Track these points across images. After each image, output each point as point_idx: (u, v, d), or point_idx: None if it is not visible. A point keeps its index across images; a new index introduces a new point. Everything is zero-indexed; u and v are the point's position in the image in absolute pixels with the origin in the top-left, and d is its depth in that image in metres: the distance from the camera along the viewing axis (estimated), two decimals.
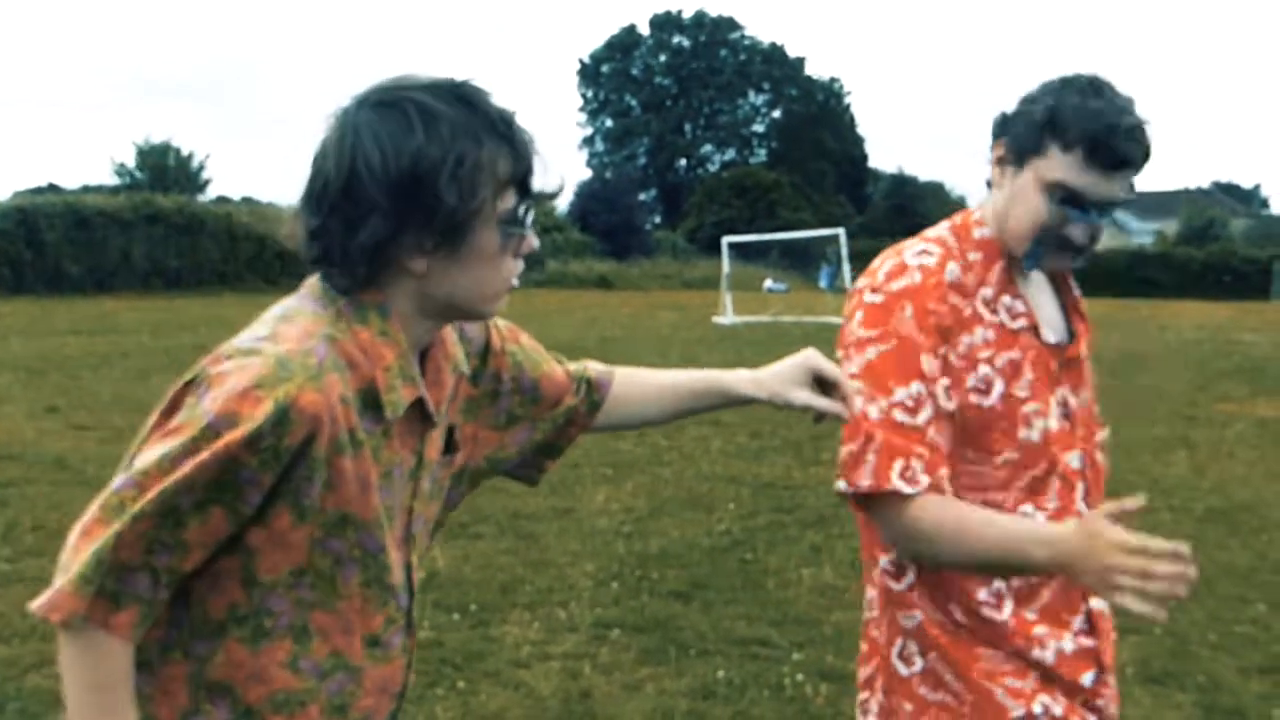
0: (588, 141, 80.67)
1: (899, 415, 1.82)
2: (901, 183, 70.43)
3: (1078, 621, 1.89)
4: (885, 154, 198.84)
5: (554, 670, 4.60)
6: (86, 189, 46.29)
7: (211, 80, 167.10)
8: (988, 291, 1.89)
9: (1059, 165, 1.80)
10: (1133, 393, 11.88)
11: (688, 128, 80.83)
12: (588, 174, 68.71)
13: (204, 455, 1.30)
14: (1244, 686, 4.60)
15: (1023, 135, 1.85)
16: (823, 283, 41.20)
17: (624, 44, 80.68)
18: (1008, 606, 1.87)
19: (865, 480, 1.82)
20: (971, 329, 1.86)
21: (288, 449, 1.32)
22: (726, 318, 26.71)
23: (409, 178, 1.36)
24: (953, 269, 1.89)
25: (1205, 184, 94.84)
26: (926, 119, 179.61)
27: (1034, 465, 1.86)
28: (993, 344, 1.86)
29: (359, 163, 1.37)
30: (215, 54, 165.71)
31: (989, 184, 1.95)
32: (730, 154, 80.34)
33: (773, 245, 42.46)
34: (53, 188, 52.65)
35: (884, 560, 1.95)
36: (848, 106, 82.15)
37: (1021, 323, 1.89)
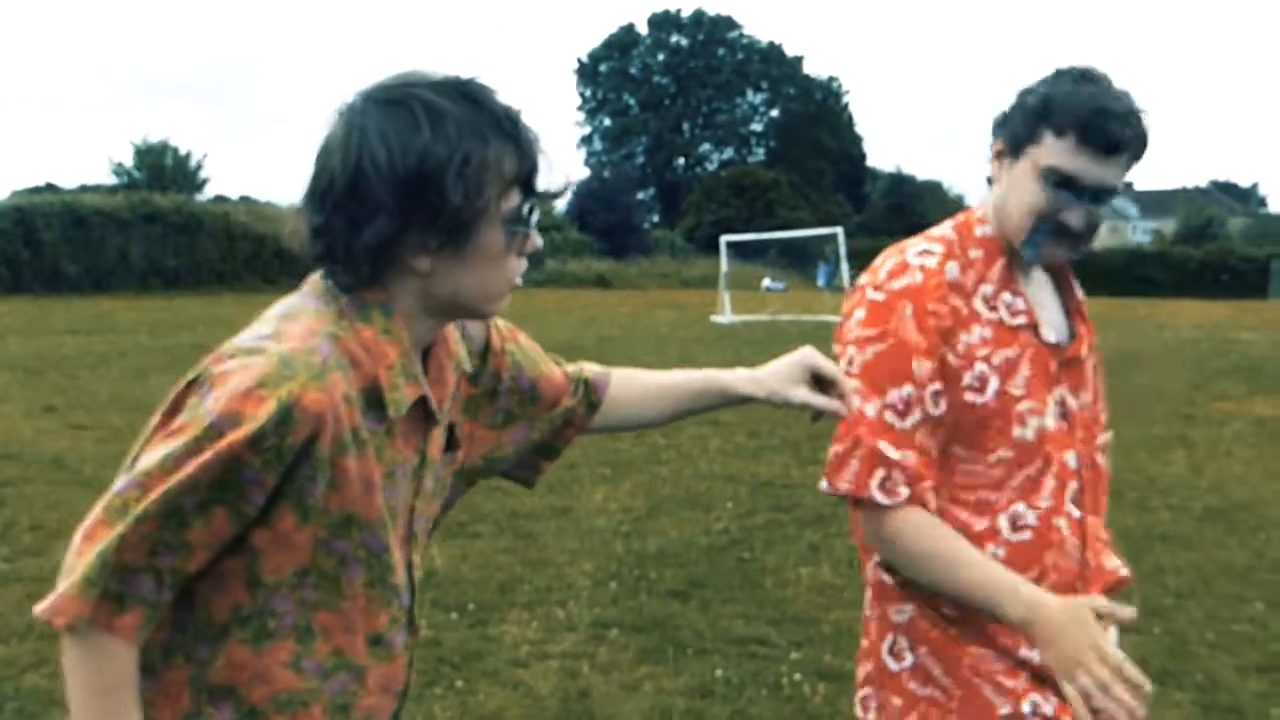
0: (586, 140, 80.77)
1: (889, 417, 1.83)
2: (899, 182, 70.48)
3: None
4: (883, 153, 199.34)
5: (552, 669, 4.60)
6: (84, 188, 46.30)
7: (211, 80, 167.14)
8: (988, 289, 1.90)
9: (1053, 151, 1.82)
10: (1130, 392, 11.87)
11: (686, 127, 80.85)
12: (586, 173, 68.69)
13: (207, 455, 1.29)
14: (1242, 685, 4.60)
15: (1018, 125, 1.87)
16: (820, 281, 41.21)
17: (622, 43, 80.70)
18: None
19: (845, 484, 1.85)
20: (970, 328, 1.86)
21: (291, 448, 1.31)
22: (725, 317, 26.71)
23: (415, 176, 1.35)
24: (952, 268, 1.89)
25: (1203, 183, 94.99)
26: (925, 118, 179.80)
27: (1028, 464, 1.86)
28: (990, 341, 1.87)
29: (365, 160, 1.36)
30: (215, 54, 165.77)
31: (989, 181, 1.96)
32: (728, 153, 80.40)
33: (771, 244, 42.49)
34: (50, 187, 52.66)
35: (876, 555, 1.96)
36: (846, 105, 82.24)
37: (1021, 320, 1.89)
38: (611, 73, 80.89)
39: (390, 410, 1.42)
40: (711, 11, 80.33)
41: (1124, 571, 1.98)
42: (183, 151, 53.67)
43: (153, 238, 33.02)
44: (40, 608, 1.31)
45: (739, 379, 1.76)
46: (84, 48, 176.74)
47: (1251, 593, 5.77)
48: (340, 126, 1.40)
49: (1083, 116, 1.78)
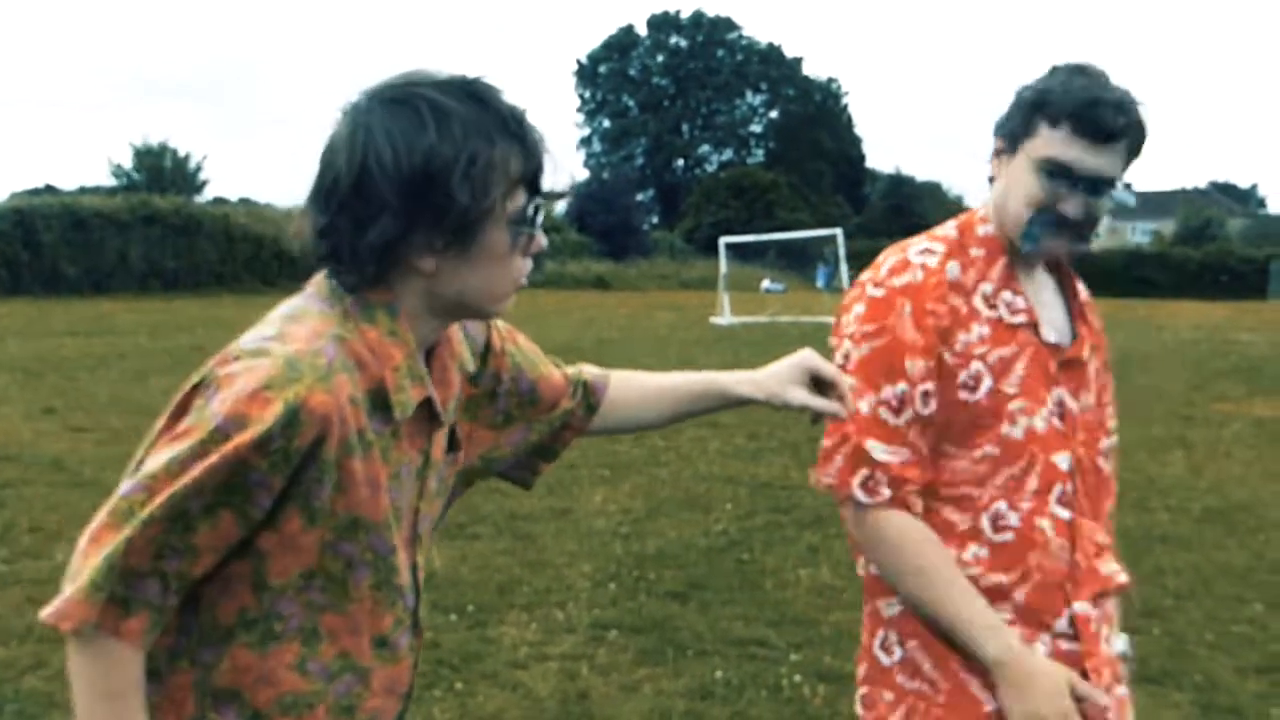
0: (585, 142, 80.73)
1: (884, 413, 1.85)
2: (899, 183, 70.48)
3: (1060, 624, 1.86)
4: (882, 154, 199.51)
5: (551, 671, 4.60)
6: (83, 190, 46.27)
7: (211, 80, 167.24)
8: (987, 287, 1.90)
9: (1048, 141, 1.83)
10: (1130, 393, 11.84)
11: (685, 128, 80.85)
12: (585, 174, 68.67)
13: (213, 458, 1.28)
14: (1241, 686, 4.60)
15: (1014, 120, 1.89)
16: (820, 283, 41.23)
17: (621, 44, 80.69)
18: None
19: (829, 478, 1.89)
20: (968, 326, 1.87)
21: (297, 451, 1.31)
22: (724, 318, 26.71)
23: (421, 176, 1.34)
24: (953, 268, 1.90)
25: (1202, 184, 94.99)
26: (924, 119, 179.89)
27: (1012, 463, 1.85)
28: (987, 340, 1.87)
29: (370, 160, 1.35)
30: (215, 54, 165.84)
31: (991, 181, 1.96)
32: (728, 154, 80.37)
33: (770, 245, 42.48)
34: (49, 189, 52.63)
35: (864, 557, 1.96)
36: (845, 107, 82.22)
37: (1021, 319, 1.89)
38: (611, 74, 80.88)
39: (396, 412, 1.41)
40: (711, 13, 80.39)
41: (1121, 578, 1.96)
42: (182, 153, 53.67)
43: (152, 239, 32.99)
44: (46, 612, 1.30)
45: (738, 381, 1.76)
46: (84, 48, 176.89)
47: (1251, 594, 5.78)
48: (345, 126, 1.39)
49: (1076, 105, 1.80)
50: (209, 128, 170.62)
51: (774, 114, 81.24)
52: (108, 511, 1.31)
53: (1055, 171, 1.82)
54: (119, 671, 1.32)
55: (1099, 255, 48.16)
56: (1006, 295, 1.90)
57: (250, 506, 1.32)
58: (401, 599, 1.49)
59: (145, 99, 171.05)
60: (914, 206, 61.90)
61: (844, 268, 29.31)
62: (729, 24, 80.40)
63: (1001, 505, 1.85)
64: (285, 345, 1.34)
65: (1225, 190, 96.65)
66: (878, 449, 1.84)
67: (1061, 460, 1.87)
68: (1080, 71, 1.84)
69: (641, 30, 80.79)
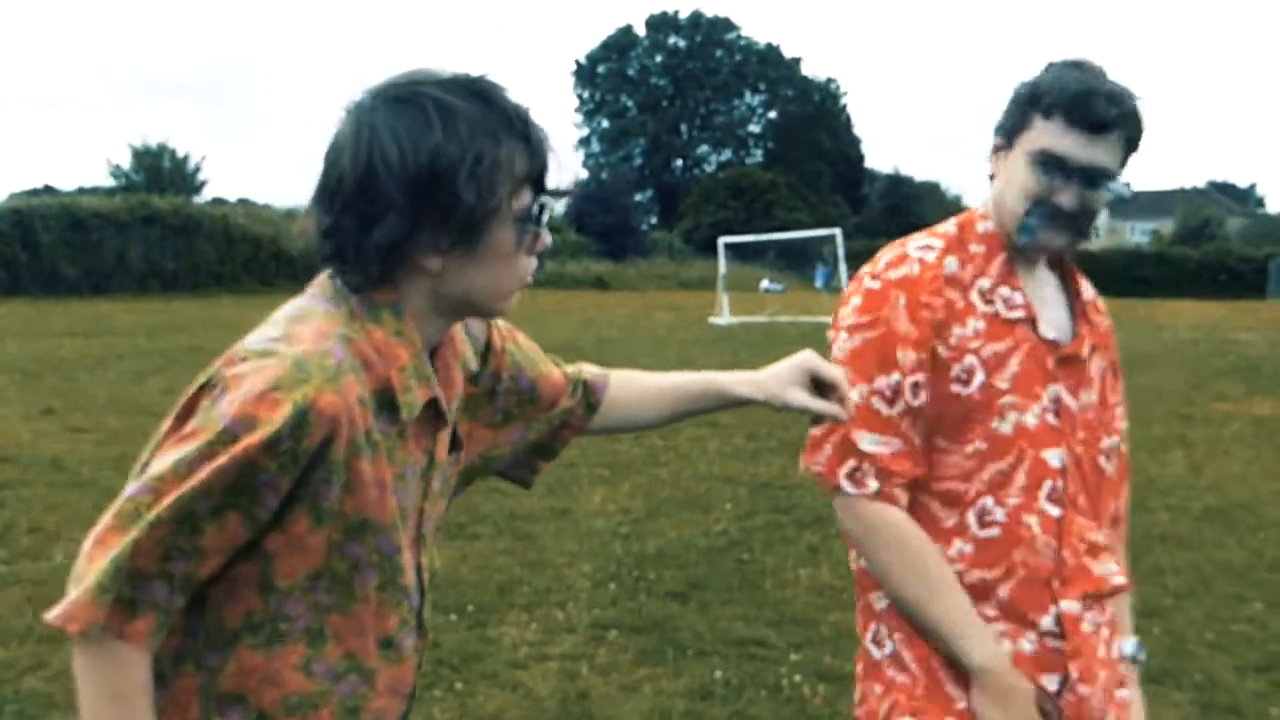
0: (584, 142, 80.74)
1: (877, 403, 1.86)
2: (897, 183, 70.53)
3: (1046, 622, 1.85)
4: (881, 154, 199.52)
5: (551, 671, 4.60)
6: (82, 190, 46.27)
7: (211, 80, 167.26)
8: (985, 282, 1.90)
9: (1042, 133, 1.83)
10: (1129, 392, 11.72)
11: (684, 128, 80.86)
12: (584, 175, 68.69)
13: (222, 460, 1.27)
14: (1241, 685, 4.60)
15: (1011, 115, 1.89)
16: (819, 283, 41.22)
17: (620, 44, 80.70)
18: None
19: (817, 466, 1.91)
20: (964, 320, 1.87)
21: (306, 452, 1.30)
22: (723, 318, 26.71)
23: (427, 175, 1.34)
24: (950, 263, 1.90)
25: (1201, 183, 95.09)
26: (922, 119, 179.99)
27: (1000, 458, 1.85)
28: (982, 334, 1.87)
29: (376, 159, 1.34)
30: (215, 54, 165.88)
31: (991, 179, 1.97)
32: (726, 154, 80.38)
33: (769, 246, 42.49)
34: (48, 189, 52.63)
35: (855, 551, 1.97)
36: (844, 107, 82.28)
37: (1018, 314, 1.89)
38: (609, 74, 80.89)
39: (403, 412, 1.41)
40: (709, 13, 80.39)
41: (1118, 580, 1.94)
42: (180, 153, 53.67)
43: (151, 240, 32.99)
44: (52, 614, 1.29)
45: (738, 381, 1.76)
46: (83, 48, 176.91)
47: (1250, 592, 5.78)
48: (349, 125, 1.38)
49: (1069, 96, 1.80)
50: (208, 128, 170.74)
51: (773, 114, 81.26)
52: (113, 514, 1.30)
53: (1050, 163, 1.82)
54: (125, 674, 1.31)
55: (1098, 255, 48.23)
56: (1004, 291, 1.90)
57: (258, 508, 1.31)
58: (407, 599, 1.48)
59: (144, 99, 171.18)
60: (912, 206, 61.93)
61: (843, 268, 29.31)
62: (727, 24, 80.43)
63: (988, 501, 1.85)
64: (293, 346, 1.33)
65: (1224, 190, 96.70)
66: (867, 440, 1.85)
67: (1053, 457, 1.86)
68: (1075, 65, 1.85)
69: (640, 30, 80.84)
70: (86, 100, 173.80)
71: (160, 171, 51.02)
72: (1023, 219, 1.87)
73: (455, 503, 1.72)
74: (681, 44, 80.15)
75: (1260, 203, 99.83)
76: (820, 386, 1.72)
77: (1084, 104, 1.79)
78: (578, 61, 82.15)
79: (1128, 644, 2.01)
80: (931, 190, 70.82)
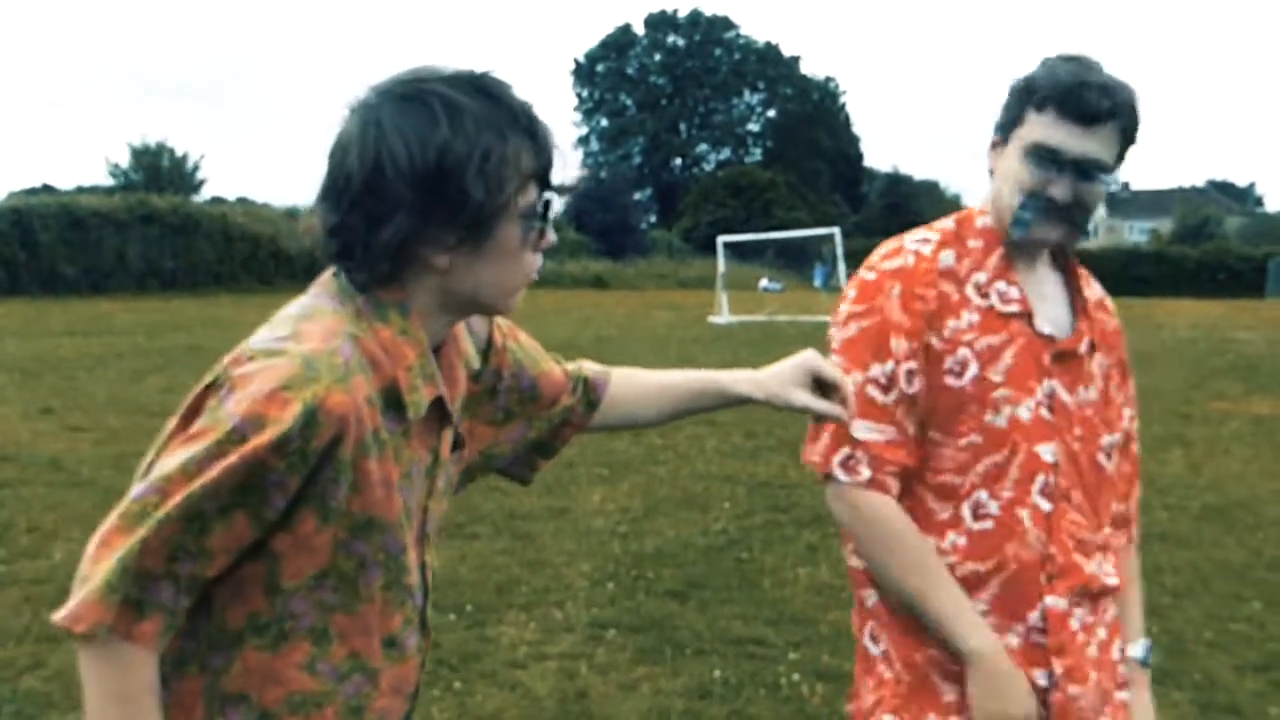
0: (583, 141, 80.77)
1: (872, 391, 1.86)
2: (896, 181, 70.59)
3: (1033, 617, 1.85)
4: (880, 153, 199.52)
5: (550, 670, 4.60)
6: (81, 190, 46.25)
7: (211, 80, 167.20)
8: (981, 276, 1.90)
9: (1035, 126, 1.84)
10: None
11: (683, 127, 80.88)
12: (583, 173, 68.66)
13: (231, 459, 1.26)
14: (1240, 684, 4.60)
15: (1006, 110, 1.90)
16: (817, 282, 41.25)
17: (619, 43, 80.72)
18: None
19: (814, 456, 1.92)
20: (958, 313, 1.87)
21: (315, 451, 1.29)
22: (722, 317, 26.71)
23: (435, 172, 1.33)
24: (946, 256, 1.91)
25: (1200, 182, 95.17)
26: (921, 118, 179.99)
27: (994, 451, 1.85)
28: (976, 327, 1.87)
29: (384, 157, 1.34)
30: (214, 54, 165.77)
31: (991, 175, 1.97)
32: (725, 153, 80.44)
33: (768, 245, 42.49)
34: (47, 188, 52.65)
35: (851, 542, 1.97)
36: (843, 105, 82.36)
37: (1013, 308, 1.89)
38: (608, 73, 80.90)
39: (410, 412, 1.40)
40: (708, 12, 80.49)
41: (1109, 579, 1.93)
42: (179, 152, 53.64)
43: (150, 239, 32.98)
44: (59, 614, 1.28)
45: (739, 380, 1.76)
46: (82, 48, 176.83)
47: (1249, 591, 5.78)
48: (355, 123, 1.37)
49: (1060, 88, 1.81)
50: (206, 127, 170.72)
51: (771, 113, 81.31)
52: (119, 514, 1.29)
53: (1043, 155, 1.83)
54: (132, 675, 1.30)
55: (1096, 254, 48.27)
56: (1000, 285, 1.90)
57: (265, 508, 1.31)
58: (411, 599, 1.48)
59: (143, 99, 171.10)
60: (911, 205, 61.95)
61: (841, 267, 29.32)
62: (726, 23, 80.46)
63: (982, 494, 1.85)
64: (301, 345, 1.32)
65: (1223, 189, 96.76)
66: (861, 427, 1.86)
67: (1045, 451, 1.86)
68: (1069, 59, 1.85)
69: (639, 29, 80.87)
70: (86, 100, 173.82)
71: (159, 170, 50.99)
72: (1016, 212, 1.87)
73: (454, 502, 1.72)
74: (680, 43, 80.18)
75: (1259, 202, 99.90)
76: (822, 386, 1.72)
77: (1075, 96, 1.79)
78: (577, 60, 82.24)
79: (1136, 647, 2.01)
80: (930, 189, 70.86)
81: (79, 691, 1.32)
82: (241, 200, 45.43)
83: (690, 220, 61.73)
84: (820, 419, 1.73)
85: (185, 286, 32.94)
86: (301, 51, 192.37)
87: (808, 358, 1.72)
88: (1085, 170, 1.82)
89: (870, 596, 1.95)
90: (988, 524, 1.85)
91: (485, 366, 1.66)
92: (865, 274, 1.94)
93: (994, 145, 1.94)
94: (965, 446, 1.85)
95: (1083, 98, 1.79)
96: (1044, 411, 1.86)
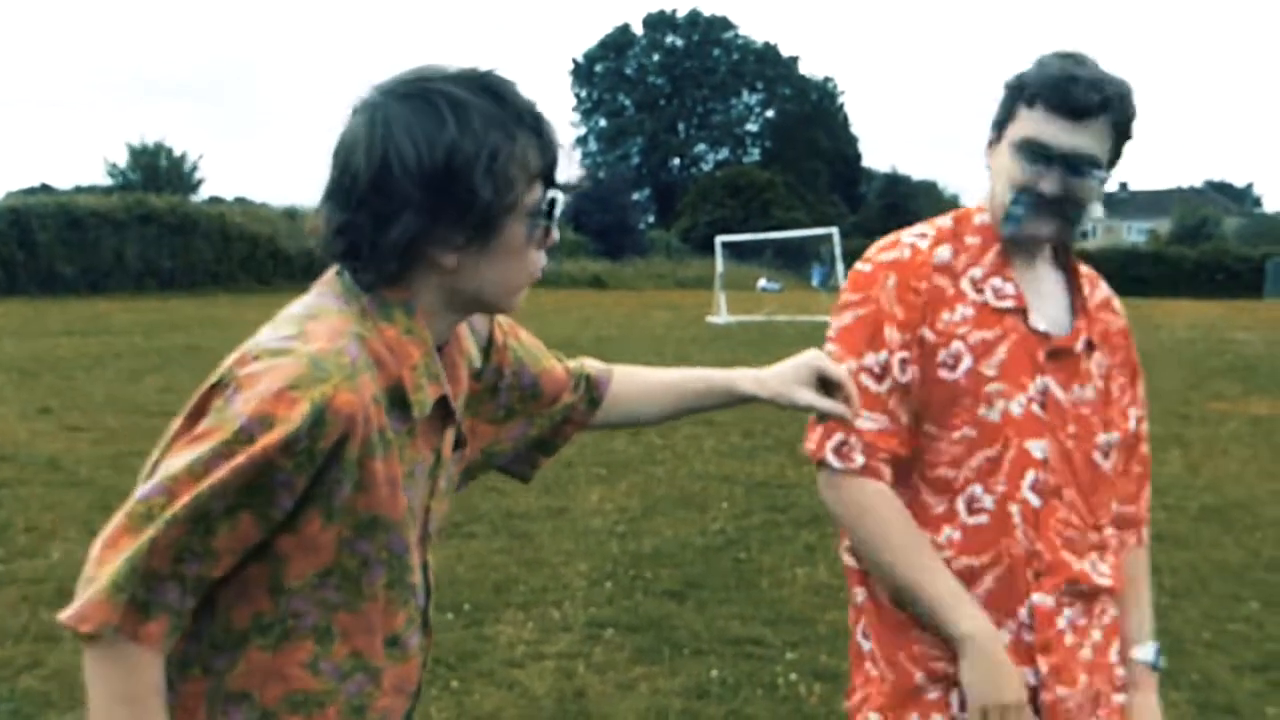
0: (581, 141, 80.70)
1: (865, 379, 1.86)
2: (895, 182, 70.65)
3: (1023, 613, 1.85)
4: (879, 153, 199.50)
5: (548, 670, 4.60)
6: (79, 189, 46.24)
7: (210, 80, 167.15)
8: (977, 272, 1.91)
9: (1026, 122, 1.85)
10: None
11: (681, 127, 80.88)
12: (582, 173, 68.60)
13: (239, 459, 1.25)
14: (1238, 684, 4.60)
15: (1000, 108, 1.91)
16: (816, 282, 41.29)
17: (617, 43, 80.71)
18: None
19: (810, 445, 1.91)
20: (952, 307, 1.88)
21: (322, 451, 1.29)
22: (720, 317, 26.72)
23: (443, 171, 1.33)
24: (942, 252, 1.92)
25: (1198, 183, 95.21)
26: (920, 118, 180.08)
27: (988, 445, 1.85)
28: (970, 321, 1.88)
29: (391, 156, 1.33)
30: (214, 54, 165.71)
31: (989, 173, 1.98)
32: (724, 153, 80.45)
33: (766, 245, 42.51)
34: (45, 188, 52.63)
35: (846, 540, 1.97)
36: (841, 106, 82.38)
37: (1008, 304, 1.89)
38: (607, 73, 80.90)
39: (415, 411, 1.40)
40: (707, 12, 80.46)
41: (1102, 580, 1.92)
42: (177, 152, 53.61)
43: (148, 239, 32.96)
44: (65, 614, 1.27)
45: (743, 378, 1.76)
46: (82, 47, 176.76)
47: (1247, 592, 5.78)
48: (361, 122, 1.37)
49: (1050, 83, 1.81)
50: (205, 127, 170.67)
51: (770, 113, 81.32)
52: (124, 515, 1.28)
53: (1033, 150, 1.83)
54: (138, 675, 1.29)
55: (1094, 254, 48.26)
56: (996, 281, 1.91)
57: (271, 508, 1.30)
58: (414, 598, 1.48)
59: (142, 99, 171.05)
60: (910, 205, 61.96)
61: (840, 266, 29.32)
62: (725, 23, 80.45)
63: (977, 488, 1.85)
64: (308, 344, 1.31)
65: (1221, 189, 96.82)
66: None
67: (1036, 447, 1.86)
68: (1061, 55, 1.86)
69: (638, 29, 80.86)
70: (84, 100, 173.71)
71: (157, 170, 50.94)
72: (1008, 208, 1.88)
73: (452, 500, 1.72)
74: (679, 43, 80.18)
75: (1257, 202, 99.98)
76: (826, 385, 1.72)
77: (1064, 90, 1.80)
78: (575, 60, 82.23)
79: (1142, 650, 2.00)
80: (929, 189, 70.93)
81: (78, 690, 1.32)
82: (240, 200, 45.38)
83: (688, 220, 61.73)
84: (824, 418, 1.73)
85: (183, 286, 32.92)
86: (301, 51, 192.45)
87: (812, 357, 1.72)
88: (1075, 165, 1.82)
89: (861, 594, 1.96)
90: (982, 518, 1.85)
91: (486, 364, 1.66)
92: (862, 265, 1.95)
93: (990, 143, 1.94)
94: (959, 440, 1.85)
95: (1070, 92, 1.79)
96: (1036, 408, 1.86)
